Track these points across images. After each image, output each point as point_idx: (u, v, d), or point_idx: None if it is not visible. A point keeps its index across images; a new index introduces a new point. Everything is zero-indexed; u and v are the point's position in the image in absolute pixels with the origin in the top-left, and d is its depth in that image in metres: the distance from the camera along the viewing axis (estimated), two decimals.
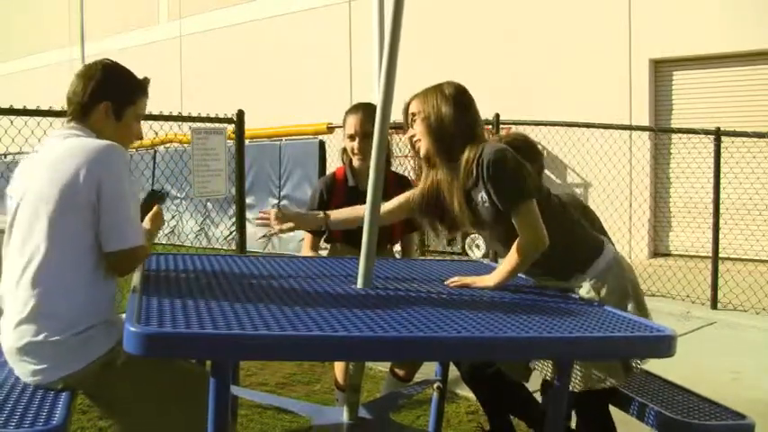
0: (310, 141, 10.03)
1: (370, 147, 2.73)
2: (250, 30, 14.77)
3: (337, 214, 2.75)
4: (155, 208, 2.56)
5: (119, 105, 2.31)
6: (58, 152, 2.15)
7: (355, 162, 3.26)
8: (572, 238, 2.44)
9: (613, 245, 2.58)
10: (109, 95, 2.29)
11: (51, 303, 2.06)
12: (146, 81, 2.41)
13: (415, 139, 2.47)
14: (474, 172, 2.33)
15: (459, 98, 2.42)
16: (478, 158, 2.32)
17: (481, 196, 2.36)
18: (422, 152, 2.46)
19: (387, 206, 2.60)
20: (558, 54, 10.28)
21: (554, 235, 2.32)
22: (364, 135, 3.14)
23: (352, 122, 3.23)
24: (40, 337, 2.05)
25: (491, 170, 2.29)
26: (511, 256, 2.35)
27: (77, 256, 2.09)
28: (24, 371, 2.11)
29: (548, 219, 2.32)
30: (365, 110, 3.23)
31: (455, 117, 2.38)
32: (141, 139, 2.48)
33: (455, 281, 2.40)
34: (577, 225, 2.53)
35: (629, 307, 2.36)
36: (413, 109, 2.48)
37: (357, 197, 3.03)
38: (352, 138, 3.24)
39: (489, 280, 2.38)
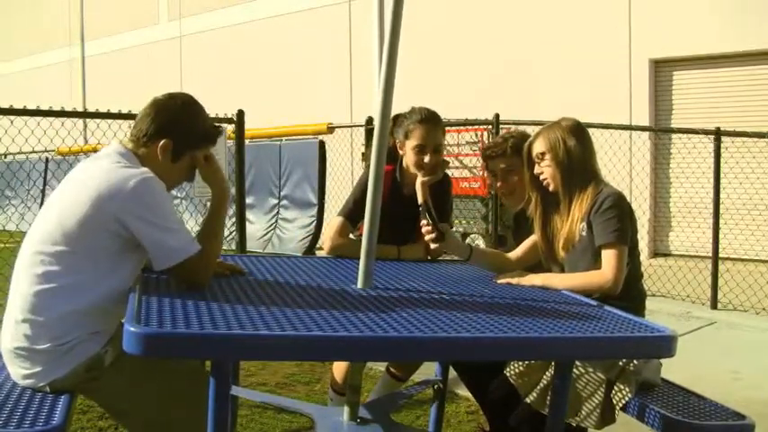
0: (310, 141, 10.01)
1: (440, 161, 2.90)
2: (250, 30, 14.77)
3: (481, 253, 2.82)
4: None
5: (181, 147, 2.21)
6: (91, 173, 2.10)
7: (421, 177, 2.94)
8: (627, 303, 2.35)
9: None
10: (174, 134, 2.19)
11: (42, 313, 2.06)
12: (219, 132, 2.34)
13: (543, 176, 2.56)
14: (587, 205, 2.44)
15: (579, 131, 2.55)
16: (598, 193, 2.44)
17: (582, 227, 2.46)
18: (551, 187, 2.55)
19: (517, 253, 2.71)
20: (557, 54, 10.27)
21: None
22: (435, 149, 2.93)
23: (424, 134, 2.92)
24: (28, 343, 2.07)
25: (605, 205, 2.40)
26: (576, 275, 2.43)
27: (73, 275, 2.06)
28: (15, 373, 2.13)
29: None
30: (437, 120, 2.96)
31: (579, 147, 2.51)
32: (191, 181, 2.37)
33: (502, 280, 2.48)
34: (641, 296, 2.57)
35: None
36: (538, 149, 2.57)
37: (401, 198, 3.01)
38: (421, 150, 2.91)
39: (537, 279, 2.44)
